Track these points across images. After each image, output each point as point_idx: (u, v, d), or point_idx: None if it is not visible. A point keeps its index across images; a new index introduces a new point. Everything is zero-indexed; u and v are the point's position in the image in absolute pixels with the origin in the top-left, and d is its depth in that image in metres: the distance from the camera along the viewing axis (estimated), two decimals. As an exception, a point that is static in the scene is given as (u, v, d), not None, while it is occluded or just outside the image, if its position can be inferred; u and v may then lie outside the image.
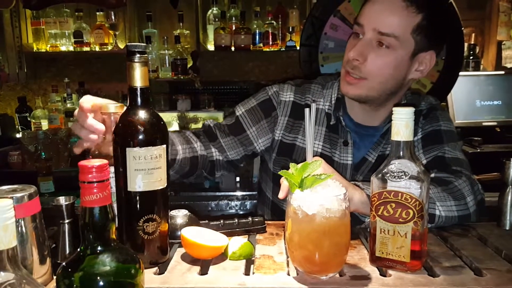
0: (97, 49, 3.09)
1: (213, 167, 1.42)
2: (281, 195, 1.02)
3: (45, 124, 3.07)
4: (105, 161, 0.69)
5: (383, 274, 0.90)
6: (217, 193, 2.59)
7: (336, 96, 1.42)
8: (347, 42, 1.33)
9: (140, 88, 0.88)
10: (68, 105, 3.11)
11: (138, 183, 0.88)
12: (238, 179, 2.66)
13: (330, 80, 1.48)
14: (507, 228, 1.15)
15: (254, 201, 2.50)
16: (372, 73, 1.25)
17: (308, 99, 1.45)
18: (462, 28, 2.46)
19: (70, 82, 3.14)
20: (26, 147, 2.79)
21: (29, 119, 3.11)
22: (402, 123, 0.87)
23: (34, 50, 3.13)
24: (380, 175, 0.90)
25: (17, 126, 3.14)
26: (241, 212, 2.56)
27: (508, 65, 3.12)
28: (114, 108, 0.96)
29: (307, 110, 0.96)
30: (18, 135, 3.04)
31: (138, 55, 0.86)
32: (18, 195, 0.83)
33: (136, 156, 0.86)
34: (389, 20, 1.22)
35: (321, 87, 1.47)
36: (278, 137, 1.46)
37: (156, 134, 0.89)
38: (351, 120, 1.42)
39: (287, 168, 0.98)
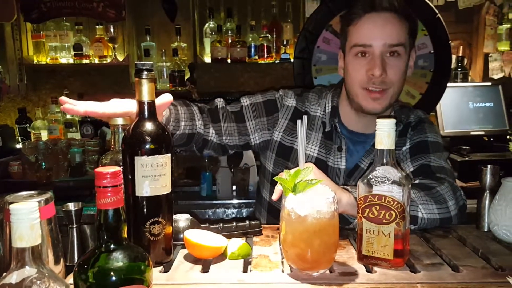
0: (96, 61, 3.16)
1: (205, 145, 1.48)
2: (274, 196, 1.13)
3: (44, 135, 3.12)
4: (118, 168, 0.76)
5: (369, 270, 0.98)
6: (214, 201, 2.63)
7: (331, 105, 1.52)
8: (349, 64, 1.43)
9: (147, 102, 0.97)
10: (68, 116, 3.16)
11: (145, 188, 0.96)
12: (234, 187, 2.72)
13: (325, 91, 1.58)
14: (485, 229, 1.23)
15: (251, 208, 2.55)
16: (394, 81, 1.38)
17: (306, 107, 1.56)
18: (450, 41, 2.56)
19: (69, 94, 3.19)
20: (26, 158, 2.83)
21: (29, 130, 3.16)
22: (385, 133, 0.96)
23: (35, 63, 3.19)
24: (365, 180, 0.99)
25: (17, 137, 3.18)
26: (237, 220, 2.61)
27: (495, 77, 3.22)
28: (122, 120, 1.05)
29: (299, 121, 1.04)
30: (19, 146, 3.09)
31: (145, 72, 0.94)
32: (36, 200, 0.90)
33: (144, 164, 0.94)
34: (394, 32, 1.36)
35: (318, 97, 1.57)
36: (277, 138, 1.55)
37: (162, 144, 0.97)
38: (344, 127, 1.51)
39: (285, 168, 1.08)
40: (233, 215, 2.60)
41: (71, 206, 1.17)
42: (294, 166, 1.49)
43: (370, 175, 0.98)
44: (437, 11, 2.46)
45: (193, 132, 1.41)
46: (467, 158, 2.67)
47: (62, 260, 0.98)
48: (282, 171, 1.53)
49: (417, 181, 1.36)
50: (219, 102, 1.54)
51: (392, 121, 0.95)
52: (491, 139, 3.02)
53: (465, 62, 3.23)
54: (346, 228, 1.24)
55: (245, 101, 1.55)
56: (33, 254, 0.67)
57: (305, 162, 1.08)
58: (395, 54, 1.36)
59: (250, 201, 2.59)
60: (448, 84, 2.66)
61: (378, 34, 1.35)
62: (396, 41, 1.35)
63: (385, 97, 1.39)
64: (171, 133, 1.32)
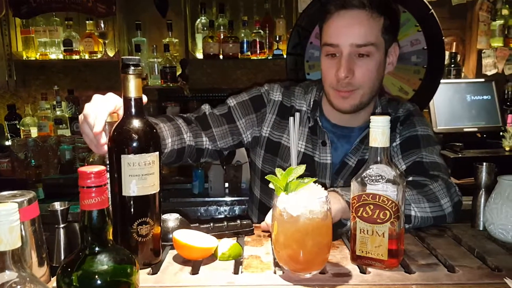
0: (87, 57, 3.10)
1: (200, 154, 1.47)
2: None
3: (34, 132, 3.08)
4: (102, 167, 0.73)
5: (363, 271, 0.96)
6: (206, 199, 2.62)
7: (313, 99, 1.50)
8: (322, 63, 1.40)
9: (134, 99, 0.93)
10: (58, 113, 3.12)
11: (132, 188, 0.92)
12: (227, 184, 2.69)
13: (311, 86, 1.56)
14: (481, 228, 1.21)
15: (243, 206, 2.54)
16: (362, 82, 1.34)
17: (292, 101, 1.54)
18: (443, 37, 2.54)
19: (59, 90, 3.16)
20: (16, 155, 2.80)
21: (18, 126, 3.11)
22: (379, 131, 0.93)
23: (24, 58, 3.13)
24: (359, 178, 0.96)
25: (6, 134, 3.14)
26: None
27: (488, 73, 3.22)
28: (109, 117, 1.01)
29: (291, 118, 1.01)
30: (8, 143, 3.05)
31: (132, 68, 0.91)
32: (18, 200, 0.87)
33: (131, 162, 0.91)
34: (362, 31, 1.30)
35: (304, 91, 1.55)
36: (266, 134, 1.53)
37: (150, 142, 0.94)
38: (328, 121, 1.49)
39: (275, 165, 1.01)
40: (226, 213, 2.58)
41: (57, 205, 1.14)
42: (283, 161, 1.49)
43: (364, 174, 0.95)
44: (430, 7, 2.44)
45: (182, 146, 1.39)
46: (460, 155, 2.66)
47: (46, 262, 0.95)
48: (271, 168, 1.53)
49: (410, 179, 1.33)
50: (206, 108, 1.52)
51: (386, 119, 0.93)
52: (484, 135, 3.02)
53: (458, 59, 3.23)
54: (339, 230, 1.20)
55: (231, 102, 1.53)
56: (13, 257, 0.64)
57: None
58: (364, 55, 1.32)
59: (242, 198, 2.57)
60: (441, 81, 2.65)
61: (345, 34, 1.31)
62: (363, 41, 1.30)
63: (354, 97, 1.36)
64: None
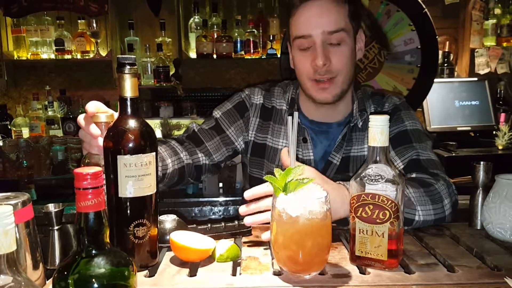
0: (79, 56, 3.08)
1: (200, 172, 1.48)
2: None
3: (26, 132, 3.06)
4: (99, 169, 0.72)
5: (362, 272, 0.95)
6: (200, 199, 2.61)
7: (290, 96, 1.52)
8: (295, 57, 1.42)
9: (130, 98, 0.92)
10: (49, 113, 3.10)
11: (128, 189, 0.91)
12: (221, 185, 2.68)
13: (289, 85, 1.58)
14: (478, 227, 1.21)
15: (237, 206, 2.52)
16: (340, 68, 1.35)
17: (273, 102, 1.56)
18: (437, 36, 2.55)
19: (51, 90, 3.13)
20: (7, 156, 2.76)
21: (9, 127, 3.09)
22: (378, 130, 0.92)
23: (15, 58, 3.11)
24: (358, 178, 0.95)
25: (-3, 135, 3.12)
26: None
27: (481, 72, 3.24)
28: (105, 117, 1.00)
29: (289, 118, 1.00)
30: (-1, 144, 3.03)
31: (128, 67, 0.90)
32: (12, 202, 0.85)
33: (127, 163, 0.90)
34: (331, 18, 1.32)
35: (283, 91, 1.57)
36: (251, 138, 1.55)
37: (146, 142, 0.92)
38: (305, 118, 1.51)
39: (262, 167, 1.01)
40: (220, 213, 2.57)
41: (51, 207, 1.12)
42: (270, 162, 1.49)
43: (363, 173, 0.95)
44: (424, 6, 2.45)
45: (182, 165, 1.40)
46: (454, 154, 2.67)
47: (41, 264, 0.93)
48: (259, 171, 1.53)
49: (413, 175, 1.32)
50: (194, 126, 1.54)
51: (386, 118, 0.92)
52: (477, 134, 3.04)
53: (451, 58, 3.24)
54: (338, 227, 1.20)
55: (217, 113, 1.55)
56: (8, 261, 0.63)
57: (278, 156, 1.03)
58: (338, 42, 1.33)
59: (237, 198, 2.56)
60: (435, 80, 2.66)
61: (315, 23, 1.32)
62: (335, 27, 1.32)
63: (333, 86, 1.37)
64: (162, 174, 1.30)
